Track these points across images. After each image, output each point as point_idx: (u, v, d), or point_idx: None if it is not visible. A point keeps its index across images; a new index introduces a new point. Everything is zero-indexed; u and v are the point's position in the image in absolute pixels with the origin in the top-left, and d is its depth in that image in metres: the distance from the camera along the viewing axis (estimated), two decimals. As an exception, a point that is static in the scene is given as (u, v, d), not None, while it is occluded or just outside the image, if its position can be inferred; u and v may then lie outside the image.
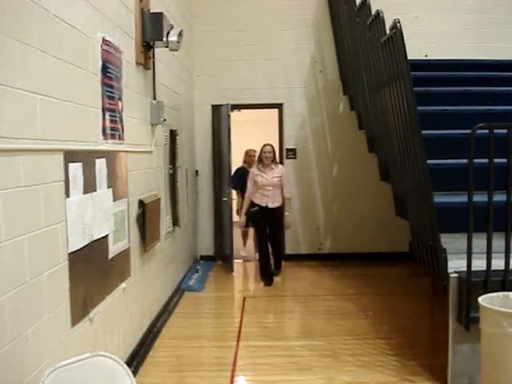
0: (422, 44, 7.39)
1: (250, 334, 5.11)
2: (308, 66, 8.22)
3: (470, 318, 3.62)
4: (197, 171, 8.23)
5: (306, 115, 8.28)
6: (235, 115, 8.18)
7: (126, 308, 4.19)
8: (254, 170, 7.21)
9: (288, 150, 8.30)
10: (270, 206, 7.05)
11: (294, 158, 8.28)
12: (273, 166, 7.09)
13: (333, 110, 8.25)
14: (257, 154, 9.08)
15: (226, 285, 7.13)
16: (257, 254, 7.69)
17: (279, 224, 7.27)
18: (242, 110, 8.62)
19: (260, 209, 7.06)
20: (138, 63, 4.60)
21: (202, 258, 8.30)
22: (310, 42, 8.18)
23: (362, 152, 7.07)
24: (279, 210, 7.16)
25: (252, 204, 7.12)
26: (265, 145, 7.16)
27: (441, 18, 7.95)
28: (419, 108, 4.07)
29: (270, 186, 7.01)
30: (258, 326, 5.42)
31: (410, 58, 4.16)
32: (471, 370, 3.72)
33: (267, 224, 7.13)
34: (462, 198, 3.67)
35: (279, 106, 8.30)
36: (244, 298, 6.35)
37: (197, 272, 7.47)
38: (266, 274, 7.07)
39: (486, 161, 3.60)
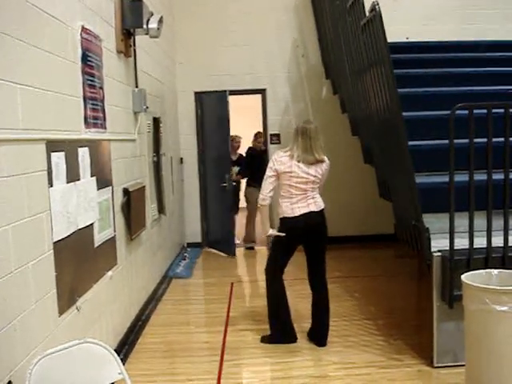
0: (403, 27, 7.41)
1: (238, 319, 5.15)
2: (290, 51, 8.21)
3: (453, 296, 3.67)
4: (181, 159, 8.21)
5: (290, 100, 8.28)
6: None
7: (113, 296, 4.21)
8: (283, 157, 4.46)
9: (272, 135, 8.32)
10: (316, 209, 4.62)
11: (279, 143, 8.28)
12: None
13: (316, 94, 8.26)
14: (241, 141, 9.04)
15: (213, 271, 7.15)
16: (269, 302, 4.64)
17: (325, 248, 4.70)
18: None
19: (296, 224, 4.48)
20: (118, 51, 4.58)
21: (190, 245, 8.31)
22: (292, 27, 8.17)
23: (345, 135, 7.09)
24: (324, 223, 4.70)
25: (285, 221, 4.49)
26: (305, 121, 4.66)
27: (422, 0, 7.97)
28: (400, 90, 4.10)
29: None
30: (245, 310, 5.47)
31: (391, 40, 4.19)
32: (456, 347, 3.78)
33: (307, 249, 4.71)
34: (444, 179, 3.71)
35: (262, 92, 8.29)
36: (232, 284, 6.38)
37: (184, 259, 7.50)
38: (290, 330, 4.53)
39: (466, 141, 3.63)
